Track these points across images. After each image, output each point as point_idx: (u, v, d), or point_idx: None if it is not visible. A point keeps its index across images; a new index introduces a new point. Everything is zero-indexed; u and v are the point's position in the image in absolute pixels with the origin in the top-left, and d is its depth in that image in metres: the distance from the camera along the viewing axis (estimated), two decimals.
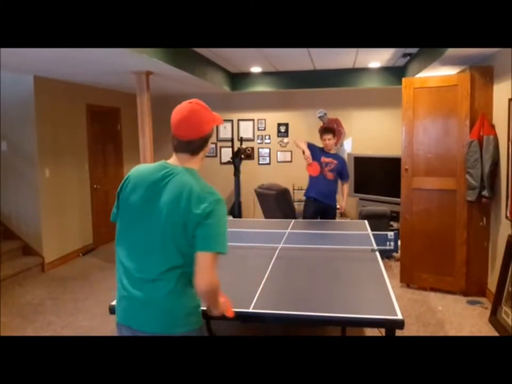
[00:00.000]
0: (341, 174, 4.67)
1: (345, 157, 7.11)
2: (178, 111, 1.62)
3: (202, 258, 1.52)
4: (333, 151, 4.69)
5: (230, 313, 1.79)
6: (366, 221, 4.30)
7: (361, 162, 6.68)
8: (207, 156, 8.89)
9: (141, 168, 1.69)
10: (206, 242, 1.52)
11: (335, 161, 4.60)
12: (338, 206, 4.83)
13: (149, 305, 1.57)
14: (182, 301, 1.60)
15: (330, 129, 4.76)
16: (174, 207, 1.54)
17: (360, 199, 6.67)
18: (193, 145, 1.63)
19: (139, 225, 1.60)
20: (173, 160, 1.67)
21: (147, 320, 1.58)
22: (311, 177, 4.68)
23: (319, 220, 4.45)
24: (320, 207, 4.62)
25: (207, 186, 1.60)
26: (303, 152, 4.47)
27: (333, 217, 4.71)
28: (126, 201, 1.64)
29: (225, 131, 7.76)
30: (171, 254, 1.55)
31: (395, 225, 5.87)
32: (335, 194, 4.69)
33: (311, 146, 4.62)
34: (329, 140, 4.58)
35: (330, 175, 4.61)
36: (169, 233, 1.54)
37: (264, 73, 6.92)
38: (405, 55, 5.63)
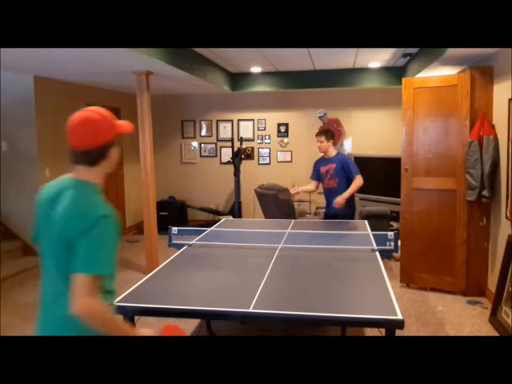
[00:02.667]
0: (344, 173, 4.24)
1: None
2: (71, 120, 1.48)
3: (76, 281, 1.37)
4: (332, 153, 4.39)
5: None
6: (366, 221, 4.30)
7: (361, 162, 6.64)
8: (207, 156, 8.90)
9: (45, 186, 1.59)
10: (81, 263, 1.37)
11: (333, 165, 4.31)
12: (334, 201, 4.17)
13: (54, 327, 1.49)
14: (74, 329, 1.43)
15: (322, 131, 4.52)
16: (59, 226, 1.43)
17: (360, 199, 6.67)
18: (89, 155, 1.48)
19: (41, 248, 1.54)
20: (71, 173, 1.55)
21: None
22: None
23: (319, 220, 4.44)
24: (332, 217, 4.35)
25: (92, 201, 1.47)
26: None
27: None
28: (34, 222, 1.57)
29: (225, 131, 7.77)
30: (60, 275, 1.45)
31: (395, 225, 5.88)
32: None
33: (313, 167, 4.55)
34: (321, 142, 4.31)
35: (331, 183, 4.33)
36: (56, 255, 1.45)
37: (264, 73, 6.92)
38: (405, 55, 5.63)
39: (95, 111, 1.49)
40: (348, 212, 4.32)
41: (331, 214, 4.36)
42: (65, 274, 1.40)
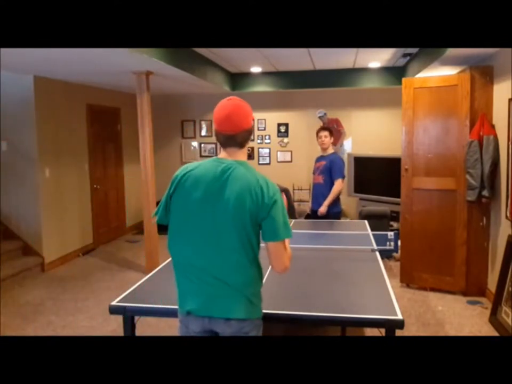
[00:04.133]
0: (329, 172, 4.33)
1: (345, 157, 7.12)
2: (222, 108, 1.70)
3: (275, 248, 1.64)
4: (329, 151, 4.48)
5: None
6: (366, 221, 4.30)
7: (361, 162, 6.68)
8: (207, 156, 8.90)
9: (194, 166, 1.74)
10: (274, 233, 1.62)
11: (324, 162, 4.41)
12: (319, 211, 4.35)
13: (231, 295, 1.64)
14: (256, 288, 1.71)
15: (326, 127, 4.61)
16: (241, 201, 1.60)
17: (360, 199, 6.67)
18: (239, 138, 1.70)
19: (204, 222, 1.64)
20: (224, 155, 1.74)
21: (231, 308, 1.64)
22: None
23: (319, 220, 4.43)
24: (316, 215, 4.43)
25: (265, 178, 1.69)
26: None
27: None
28: (185, 200, 1.68)
29: None
30: (244, 245, 1.63)
31: (395, 225, 5.88)
32: (325, 198, 4.34)
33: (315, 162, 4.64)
34: (325, 136, 4.39)
35: (319, 178, 4.44)
36: (239, 226, 1.61)
37: (264, 73, 6.92)
38: (405, 55, 5.63)
39: (240, 100, 1.73)
40: (335, 210, 4.41)
41: (317, 209, 4.42)
42: (246, 243, 1.62)
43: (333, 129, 7.24)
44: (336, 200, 4.41)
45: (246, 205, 1.60)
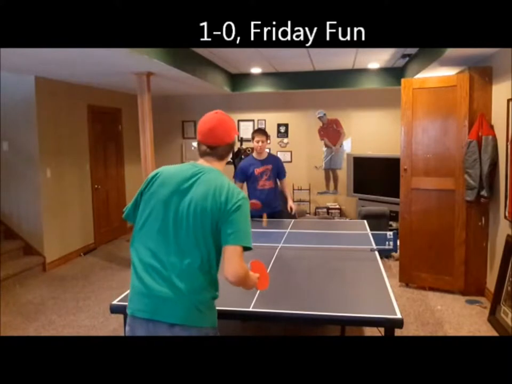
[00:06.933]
0: (278, 174, 4.31)
1: (345, 157, 7.14)
2: (207, 121, 1.76)
3: (231, 252, 1.60)
4: (265, 154, 4.26)
5: (261, 287, 1.91)
6: (365, 221, 4.31)
7: (360, 162, 6.69)
8: None
9: (169, 168, 1.78)
10: (234, 236, 1.60)
11: (270, 166, 4.21)
12: (288, 208, 4.30)
13: (177, 299, 1.61)
14: (205, 297, 1.66)
15: (262, 130, 4.30)
16: (203, 202, 1.61)
17: (360, 199, 6.68)
18: (220, 151, 1.76)
19: (165, 221, 1.65)
20: (201, 162, 1.79)
21: (176, 313, 1.61)
22: (249, 193, 4.25)
23: (318, 220, 4.44)
24: (268, 217, 4.19)
25: (234, 187, 1.70)
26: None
27: (281, 217, 4.39)
28: (151, 198, 1.71)
29: None
30: (200, 248, 1.62)
31: (394, 225, 5.89)
32: (277, 199, 4.35)
33: (240, 170, 4.23)
34: (263, 142, 4.12)
35: (268, 184, 4.22)
36: (197, 228, 1.61)
37: (264, 74, 6.93)
38: (404, 56, 5.64)
39: (225, 115, 1.80)
40: (279, 209, 4.40)
41: (268, 214, 4.15)
42: (202, 247, 1.61)
43: (332, 129, 7.29)
44: (278, 199, 4.42)
45: (207, 208, 1.60)
